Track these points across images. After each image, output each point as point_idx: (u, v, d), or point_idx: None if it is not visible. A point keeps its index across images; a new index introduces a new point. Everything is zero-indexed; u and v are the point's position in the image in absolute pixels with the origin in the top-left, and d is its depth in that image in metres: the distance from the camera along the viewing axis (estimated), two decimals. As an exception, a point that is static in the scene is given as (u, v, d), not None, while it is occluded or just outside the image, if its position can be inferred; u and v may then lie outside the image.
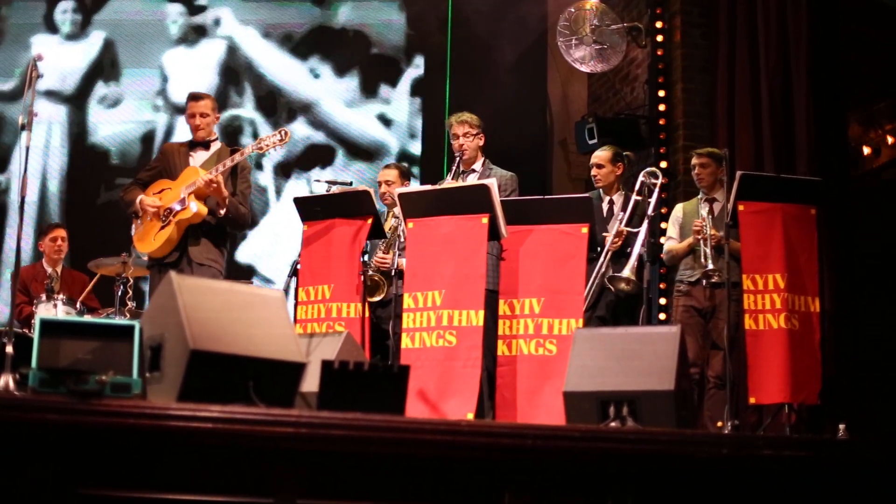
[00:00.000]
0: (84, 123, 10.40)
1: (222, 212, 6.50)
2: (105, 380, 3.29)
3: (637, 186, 6.96)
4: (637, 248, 6.65)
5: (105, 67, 10.50)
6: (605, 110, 9.88)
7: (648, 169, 7.08)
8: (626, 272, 6.57)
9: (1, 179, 10.20)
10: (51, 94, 10.26)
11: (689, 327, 6.72)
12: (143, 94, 10.44)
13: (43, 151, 10.21)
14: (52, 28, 10.55)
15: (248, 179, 6.74)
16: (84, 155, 10.33)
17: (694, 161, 7.17)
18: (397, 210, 7.03)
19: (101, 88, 10.47)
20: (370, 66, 10.60)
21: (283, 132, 6.40)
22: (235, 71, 10.52)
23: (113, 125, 10.37)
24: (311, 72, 10.57)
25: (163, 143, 7.14)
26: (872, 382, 7.23)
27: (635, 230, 6.75)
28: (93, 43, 10.51)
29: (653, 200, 6.86)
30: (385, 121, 10.53)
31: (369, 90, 10.56)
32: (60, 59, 10.36)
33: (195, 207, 6.45)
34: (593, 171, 7.23)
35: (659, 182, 6.97)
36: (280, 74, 10.55)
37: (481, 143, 7.02)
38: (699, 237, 6.80)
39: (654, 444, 3.75)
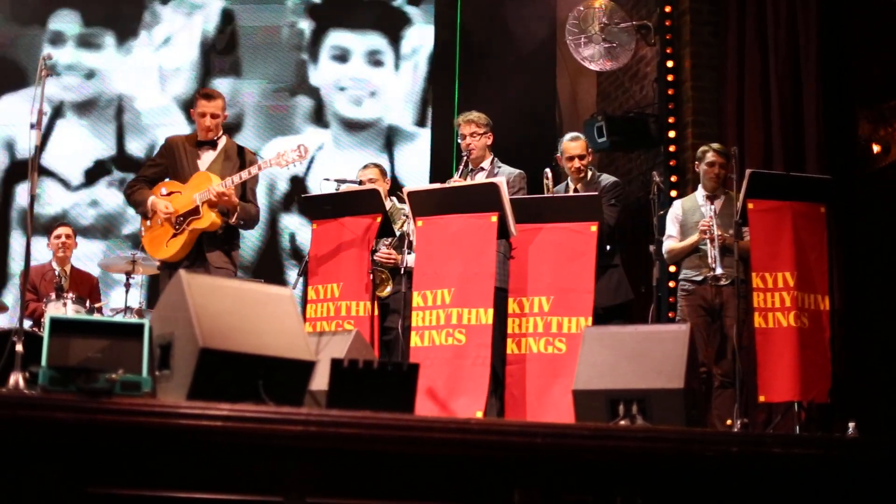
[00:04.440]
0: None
1: (233, 220, 6.49)
2: (115, 378, 3.29)
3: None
4: None
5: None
6: (614, 108, 9.87)
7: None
8: None
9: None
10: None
11: (695, 327, 6.69)
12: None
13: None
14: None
15: (257, 175, 6.70)
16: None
17: (712, 158, 7.01)
18: (400, 205, 7.07)
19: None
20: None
21: (302, 148, 6.31)
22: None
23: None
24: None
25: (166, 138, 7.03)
26: (882, 380, 7.19)
27: None
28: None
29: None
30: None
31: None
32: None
33: (211, 217, 6.43)
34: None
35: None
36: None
37: (489, 141, 7.00)
38: (705, 237, 6.75)
39: (663, 443, 3.75)
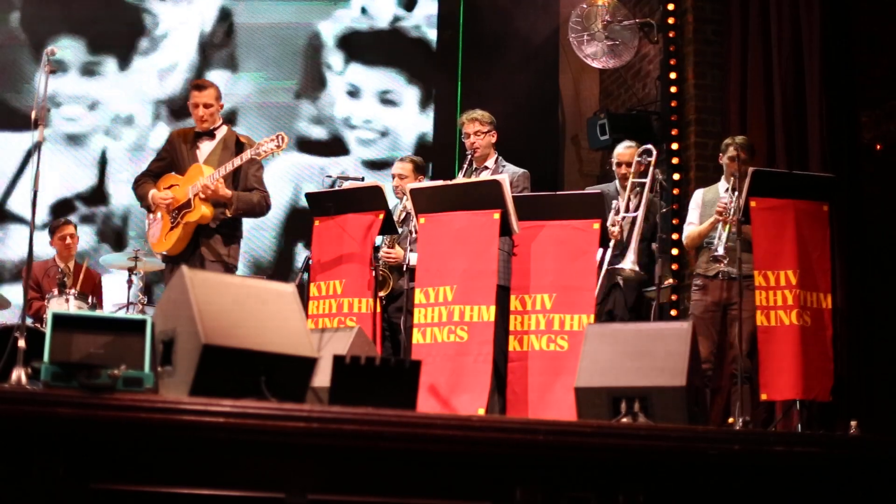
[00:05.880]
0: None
1: (230, 212, 6.49)
2: (117, 374, 3.29)
3: (636, 168, 6.93)
4: (635, 235, 6.59)
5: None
6: (616, 106, 9.87)
7: (642, 148, 7.01)
8: (628, 264, 6.50)
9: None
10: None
11: (705, 323, 6.66)
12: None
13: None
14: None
15: (259, 163, 6.68)
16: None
17: (734, 152, 6.67)
18: (409, 204, 7.04)
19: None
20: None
21: (280, 138, 6.26)
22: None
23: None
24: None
25: (170, 131, 7.04)
26: (884, 379, 7.21)
27: (633, 214, 6.72)
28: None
29: (647, 179, 6.81)
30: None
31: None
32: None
33: (201, 209, 6.44)
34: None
35: (653, 159, 6.90)
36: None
37: (493, 140, 6.99)
38: (721, 217, 6.63)
39: (665, 441, 3.75)
